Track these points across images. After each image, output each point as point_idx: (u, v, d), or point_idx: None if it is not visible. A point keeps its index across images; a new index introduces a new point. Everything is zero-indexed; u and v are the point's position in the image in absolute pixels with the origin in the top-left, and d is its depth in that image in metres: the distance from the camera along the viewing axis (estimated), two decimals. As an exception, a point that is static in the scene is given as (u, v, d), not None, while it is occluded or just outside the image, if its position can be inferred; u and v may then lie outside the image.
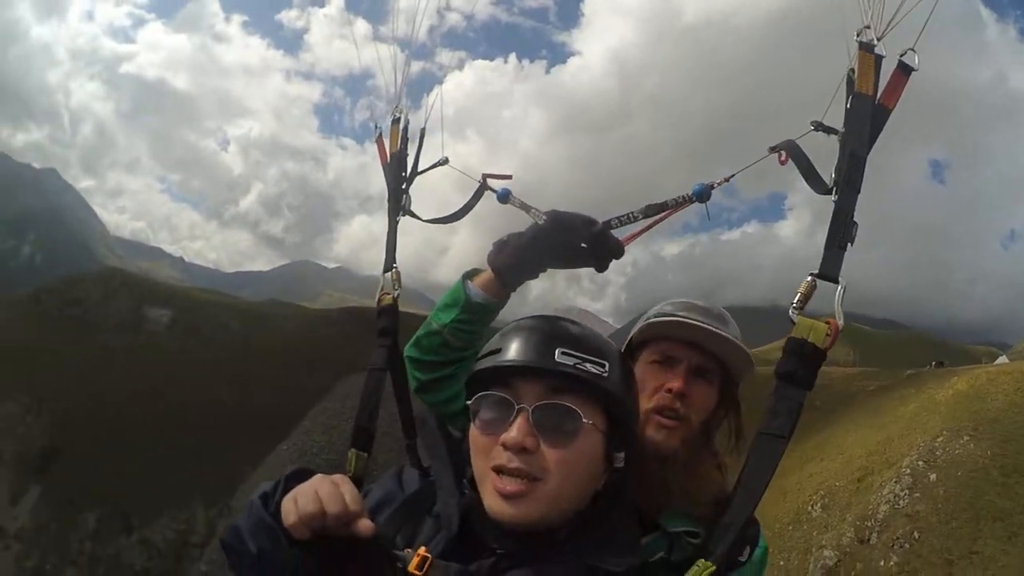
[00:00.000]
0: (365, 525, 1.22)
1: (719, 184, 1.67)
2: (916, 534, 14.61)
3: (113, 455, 59.88)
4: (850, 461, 20.55)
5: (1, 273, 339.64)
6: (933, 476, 15.93)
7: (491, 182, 2.22)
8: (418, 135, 2.42)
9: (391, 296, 2.14)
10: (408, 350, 2.00)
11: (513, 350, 1.36)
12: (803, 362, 1.38)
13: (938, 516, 14.73)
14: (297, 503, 1.22)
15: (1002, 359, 32.95)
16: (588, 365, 1.33)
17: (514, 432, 1.28)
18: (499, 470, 1.29)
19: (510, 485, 1.27)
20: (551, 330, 1.40)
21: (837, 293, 1.42)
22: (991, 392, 19.87)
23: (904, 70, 1.57)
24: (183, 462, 59.87)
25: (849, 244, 1.47)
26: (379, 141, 2.45)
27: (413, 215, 2.32)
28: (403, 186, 2.32)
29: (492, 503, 1.30)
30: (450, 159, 2.33)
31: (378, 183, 2.35)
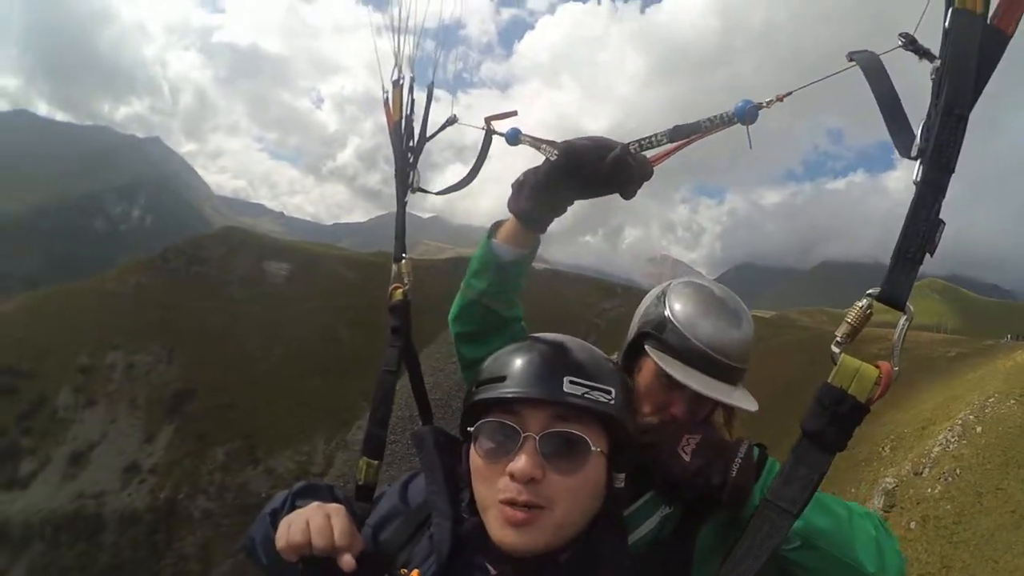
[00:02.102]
0: (347, 562, 1.31)
1: (769, 104, 1.27)
2: (958, 471, 19.10)
3: (241, 395, 67.79)
4: (919, 413, 24.56)
5: (116, 235, 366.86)
6: (979, 428, 20.34)
7: (496, 125, 2.06)
8: (426, 97, 2.29)
9: (402, 290, 2.10)
10: (453, 326, 1.95)
11: (519, 380, 1.35)
12: (837, 420, 1.10)
13: (977, 459, 19.14)
14: (288, 531, 1.34)
15: None
16: (596, 394, 1.34)
17: (522, 463, 1.28)
18: (510, 503, 1.29)
19: (519, 514, 1.28)
20: (557, 357, 1.40)
21: (900, 325, 1.08)
22: None
23: None
24: (306, 400, 67.57)
25: (928, 255, 1.05)
26: (385, 107, 2.32)
27: (423, 191, 2.27)
28: (410, 159, 2.24)
29: (499, 533, 1.31)
30: (514, 114, 2.04)
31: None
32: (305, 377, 70.25)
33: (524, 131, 1.79)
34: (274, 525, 1.43)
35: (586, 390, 1.33)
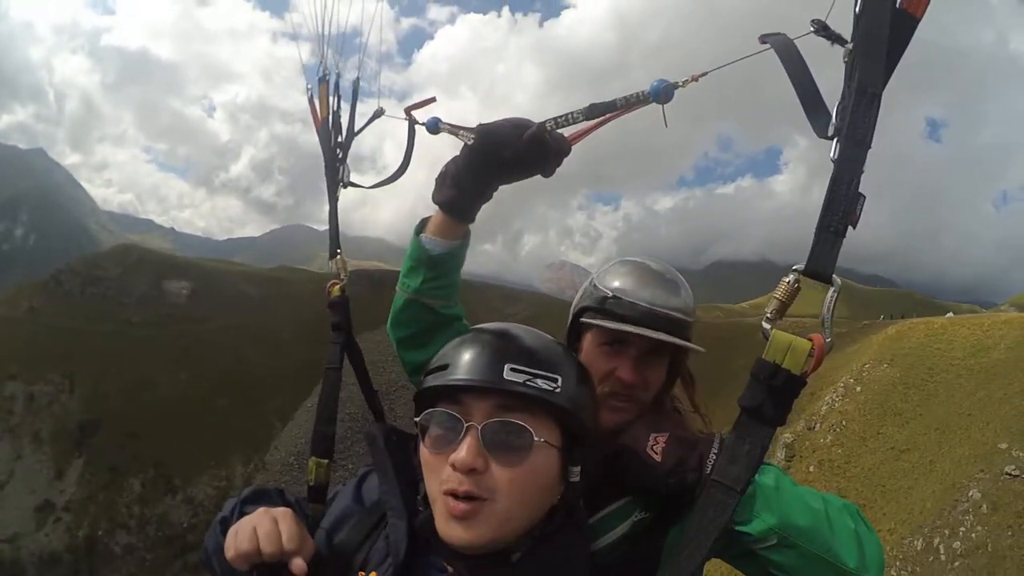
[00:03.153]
0: (298, 566, 1.30)
1: (685, 83, 1.34)
2: (844, 422, 24.92)
3: (150, 422, 66.54)
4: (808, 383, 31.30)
5: None
6: (859, 388, 26.32)
7: (418, 115, 2.08)
8: (351, 92, 2.32)
9: (340, 286, 2.11)
10: (392, 332, 1.92)
11: (462, 367, 1.35)
12: (774, 393, 1.12)
13: (858, 412, 24.85)
14: (236, 538, 1.32)
15: (949, 315, 41.13)
16: (539, 381, 1.32)
17: (463, 452, 1.27)
18: (451, 494, 1.28)
19: (460, 506, 1.27)
20: (501, 345, 1.39)
21: (828, 297, 1.11)
22: (909, 336, 30.55)
23: None
24: (217, 423, 67.24)
25: (851, 227, 1.10)
26: (311, 104, 2.33)
27: (354, 185, 2.27)
28: (339, 154, 2.25)
29: (443, 526, 1.30)
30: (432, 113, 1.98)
31: (370, 140, 3.78)
32: (214, 400, 69.94)
33: (415, 174, 1.89)
34: (224, 533, 1.41)
35: (528, 377, 1.32)
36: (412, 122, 2.11)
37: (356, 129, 2.29)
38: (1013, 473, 16.34)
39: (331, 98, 2.29)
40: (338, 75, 2.31)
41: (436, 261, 1.79)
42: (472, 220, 1.79)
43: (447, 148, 1.74)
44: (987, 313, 34.89)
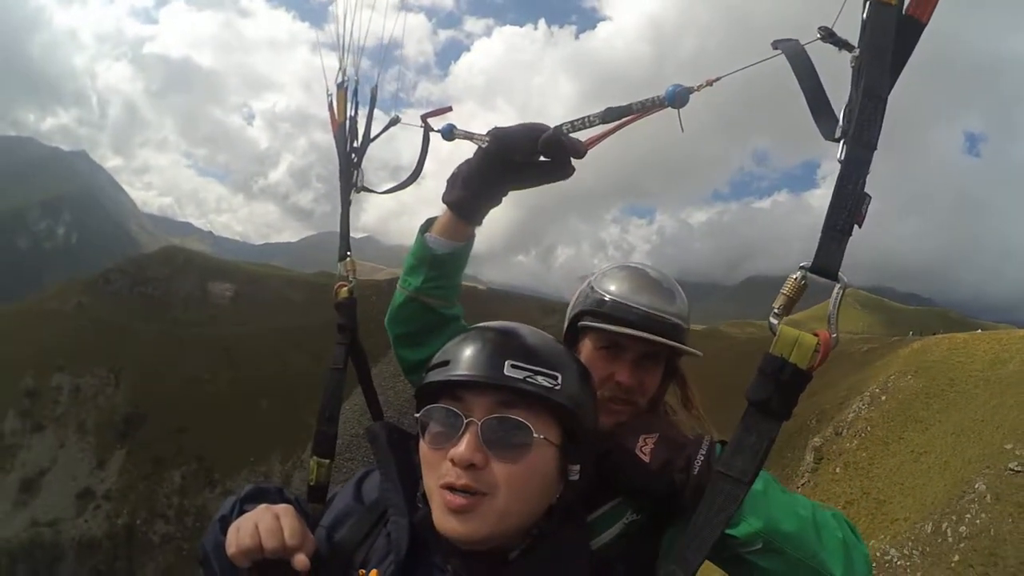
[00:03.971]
0: (301, 561, 1.29)
1: (700, 87, 1.32)
2: (869, 428, 27.54)
3: (193, 418, 69.93)
4: (837, 392, 35.13)
5: (39, 253, 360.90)
6: (884, 397, 29.04)
7: (433, 122, 2.03)
8: (370, 100, 2.36)
9: (347, 288, 2.13)
10: (390, 328, 1.91)
11: (463, 363, 1.36)
12: (781, 387, 1.15)
13: (883, 419, 27.40)
14: (238, 534, 1.31)
15: (978, 331, 43.68)
16: (539, 378, 1.33)
17: (462, 448, 1.29)
18: (448, 488, 1.30)
19: (457, 499, 1.28)
20: (502, 341, 1.40)
21: (834, 294, 1.14)
22: (933, 350, 33.65)
23: None
24: (259, 421, 70.10)
25: (856, 226, 1.13)
26: (330, 110, 2.37)
27: (368, 190, 2.30)
28: (354, 159, 2.28)
29: (440, 520, 1.31)
30: (433, 121, 2.00)
31: (408, 151, 2.16)
32: (255, 399, 72.61)
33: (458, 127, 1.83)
34: (224, 531, 1.38)
35: (529, 374, 1.33)
36: (427, 129, 2.09)
37: (372, 136, 2.32)
38: (1016, 469, 18.74)
39: (348, 104, 2.34)
40: (356, 82, 2.37)
41: (439, 261, 1.81)
42: (479, 223, 1.79)
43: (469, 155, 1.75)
44: (1005, 329, 37.07)
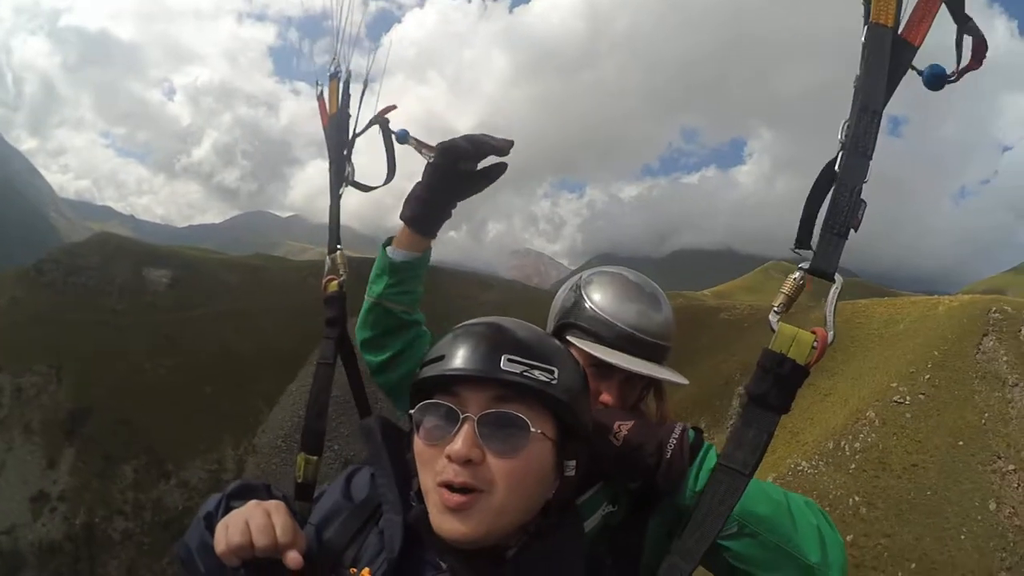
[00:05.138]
0: (293, 558, 1.31)
1: (956, 77, 1.38)
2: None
3: (138, 410, 70.57)
4: (758, 349, 40.87)
5: None
6: None
7: (393, 123, 2.27)
8: (360, 91, 2.41)
9: (337, 282, 2.22)
10: (358, 333, 2.14)
11: (458, 357, 1.39)
12: (780, 381, 1.27)
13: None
14: (227, 532, 1.33)
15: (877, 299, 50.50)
16: (536, 372, 1.37)
17: (459, 443, 1.32)
18: (446, 485, 1.33)
19: (455, 497, 1.31)
20: (497, 336, 1.43)
21: (831, 293, 1.28)
22: (839, 313, 39.00)
23: None
24: (206, 408, 71.24)
25: (853, 230, 1.26)
26: (320, 100, 2.43)
27: (358, 186, 2.37)
28: (345, 152, 2.35)
29: (436, 518, 1.35)
30: (397, 107, 2.25)
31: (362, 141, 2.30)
32: (201, 386, 73.33)
33: (412, 132, 2.14)
34: (210, 529, 1.41)
35: (525, 368, 1.37)
36: (386, 130, 2.25)
37: (357, 132, 2.37)
38: (898, 401, 24.72)
39: (340, 96, 2.37)
40: (349, 73, 2.39)
41: (397, 268, 2.07)
42: (434, 235, 2.10)
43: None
44: (900, 297, 44.23)
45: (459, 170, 1.98)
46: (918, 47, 1.34)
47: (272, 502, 1.42)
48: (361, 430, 1.68)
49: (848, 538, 20.80)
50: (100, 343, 77.78)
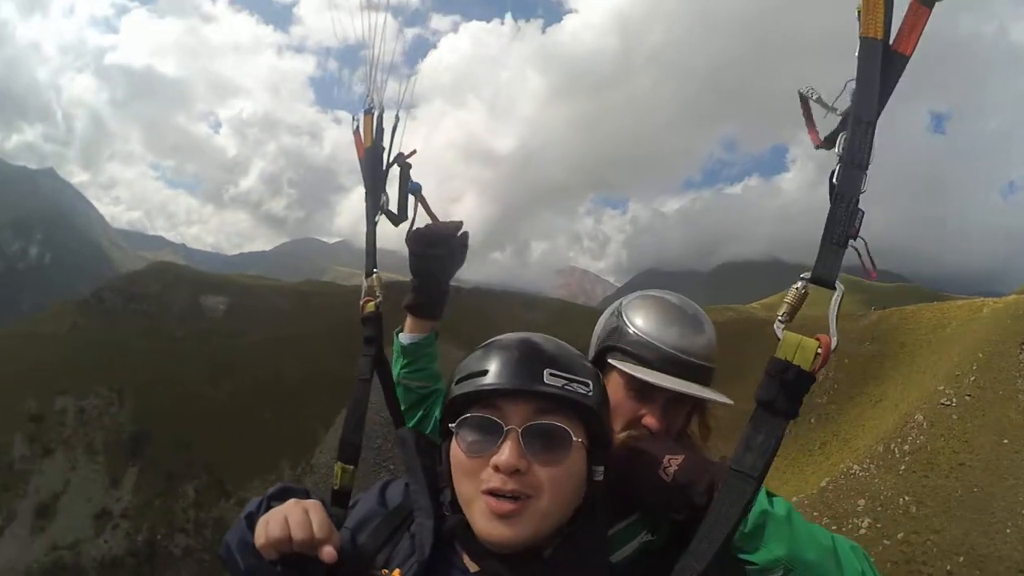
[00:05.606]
0: (328, 553, 1.39)
1: None
2: (836, 386, 35.90)
3: (198, 432, 72.58)
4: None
5: (14, 275, 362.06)
6: (847, 361, 38.41)
7: (411, 166, 2.42)
8: (392, 124, 2.49)
9: (374, 303, 2.29)
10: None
11: (498, 373, 1.45)
12: (786, 388, 1.29)
13: (847, 378, 35.99)
14: (267, 526, 1.41)
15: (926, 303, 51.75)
16: (575, 385, 1.44)
17: (506, 454, 1.38)
18: (492, 493, 1.39)
19: (505, 505, 1.38)
20: (535, 351, 1.50)
21: (833, 300, 1.32)
22: (887, 320, 42.20)
23: (925, 2, 1.34)
24: (263, 430, 72.96)
25: (851, 240, 1.31)
26: (356, 135, 2.53)
27: (390, 215, 2.40)
28: (381, 183, 2.42)
29: (484, 525, 1.40)
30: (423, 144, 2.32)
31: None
32: (257, 408, 75.35)
33: (426, 186, 2.33)
34: (250, 528, 1.49)
35: (565, 382, 1.44)
36: (405, 173, 2.40)
37: (386, 165, 2.43)
38: (945, 403, 26.21)
39: (375, 130, 2.45)
40: (382, 109, 2.48)
41: (407, 350, 2.39)
42: (437, 317, 2.40)
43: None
44: (949, 301, 45.32)
45: (430, 254, 2.27)
46: (909, 56, 1.36)
47: (310, 501, 1.50)
48: (397, 438, 1.78)
49: (899, 536, 22.19)
50: (160, 368, 79.63)
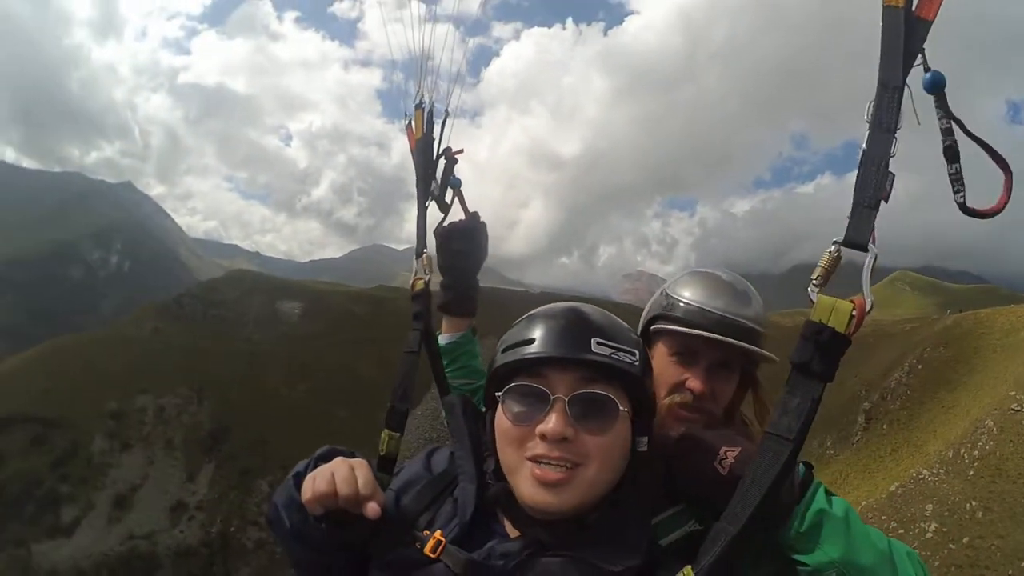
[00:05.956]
0: (372, 508, 1.41)
1: None
2: (908, 392, 36.95)
3: (273, 431, 74.75)
4: (881, 365, 44.25)
5: (94, 283, 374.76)
6: (920, 366, 39.20)
7: (458, 162, 2.54)
8: (442, 120, 2.60)
9: (423, 281, 2.35)
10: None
11: (544, 341, 1.47)
12: (821, 350, 1.29)
13: (919, 383, 36.55)
14: (314, 482, 1.44)
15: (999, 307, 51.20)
16: (622, 355, 1.46)
17: (553, 423, 1.40)
18: (538, 459, 1.41)
19: (552, 474, 1.39)
20: (582, 320, 1.51)
21: (866, 264, 1.31)
22: (961, 324, 42.18)
23: None
24: (337, 430, 73.28)
25: (883, 201, 1.31)
26: (408, 129, 2.63)
27: (441, 202, 2.51)
28: (431, 171, 2.51)
29: (530, 492, 1.42)
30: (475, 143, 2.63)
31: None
32: (332, 409, 78.23)
33: (492, 193, 2.72)
34: (297, 487, 1.51)
35: (613, 351, 1.46)
36: (449, 166, 2.53)
37: (436, 155, 2.54)
38: (1016, 408, 26.10)
39: (424, 123, 2.58)
40: (432, 104, 2.59)
41: (446, 350, 2.46)
42: (471, 314, 2.49)
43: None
44: (1021, 305, 44.73)
45: (455, 249, 2.40)
46: (932, 21, 1.38)
47: (356, 460, 1.54)
48: (443, 405, 1.82)
49: (964, 540, 22.35)
50: (238, 369, 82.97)
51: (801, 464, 1.55)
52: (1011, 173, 1.44)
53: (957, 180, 1.41)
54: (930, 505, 25.13)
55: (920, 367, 38.05)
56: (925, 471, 26.45)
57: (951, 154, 1.41)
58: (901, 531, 23.60)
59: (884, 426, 35.76)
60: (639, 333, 2.06)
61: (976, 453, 25.67)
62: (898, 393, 37.38)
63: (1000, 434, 25.71)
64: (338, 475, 1.44)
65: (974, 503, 23.79)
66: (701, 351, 1.99)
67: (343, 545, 1.50)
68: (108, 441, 72.75)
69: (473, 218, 2.47)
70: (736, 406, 2.13)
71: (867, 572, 1.48)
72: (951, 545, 22.85)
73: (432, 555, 1.44)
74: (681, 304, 2.05)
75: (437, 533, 1.48)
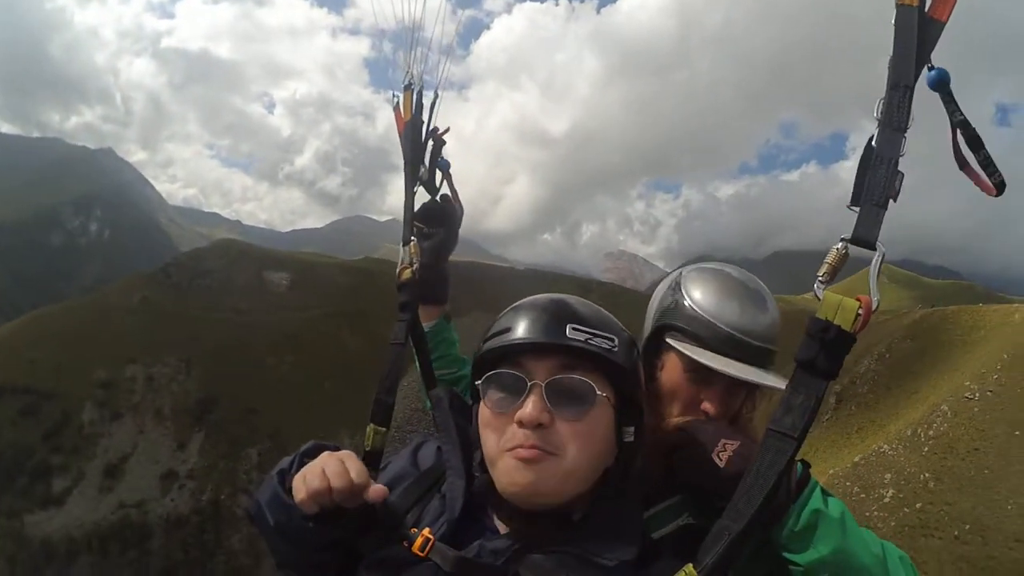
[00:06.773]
0: (376, 490, 1.40)
1: None
2: (876, 378, 41.59)
3: (262, 401, 77.27)
4: (853, 352, 49.45)
5: (75, 249, 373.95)
6: (888, 355, 44.38)
7: (442, 150, 2.52)
8: (431, 101, 2.56)
9: (410, 270, 2.28)
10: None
11: (523, 328, 1.47)
12: (826, 348, 1.29)
13: (887, 370, 41.78)
14: (305, 480, 1.40)
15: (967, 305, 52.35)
16: (598, 340, 1.45)
17: (529, 408, 1.38)
18: (515, 449, 1.39)
19: (525, 452, 1.38)
20: (558, 308, 1.51)
21: (874, 262, 1.32)
22: (928, 319, 47.19)
23: None
24: (324, 400, 77.42)
25: (892, 200, 1.33)
26: (396, 110, 2.59)
27: (429, 186, 2.52)
28: (420, 155, 2.48)
29: (509, 477, 1.40)
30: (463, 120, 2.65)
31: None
32: (319, 381, 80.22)
33: (478, 167, 3.01)
34: (282, 484, 1.48)
35: (589, 336, 1.44)
36: (437, 148, 2.51)
37: (424, 137, 2.50)
38: (968, 396, 29.86)
39: (414, 105, 2.52)
40: (422, 85, 2.54)
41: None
42: (443, 302, 2.53)
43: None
44: (983, 305, 49.15)
45: (431, 233, 2.52)
46: (945, 22, 1.39)
47: (344, 451, 1.50)
48: (430, 398, 1.85)
49: (917, 505, 25.99)
50: (226, 339, 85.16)
51: (799, 463, 1.61)
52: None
53: (989, 164, 1.45)
54: (888, 475, 28.86)
55: (888, 356, 42.33)
56: (886, 446, 30.21)
57: (976, 143, 1.44)
58: (863, 495, 27.11)
59: (852, 407, 39.78)
60: (650, 333, 2.08)
61: (931, 432, 29.54)
62: (867, 378, 41.60)
63: (954, 417, 29.64)
64: (329, 470, 1.41)
65: (927, 474, 27.26)
66: (716, 372, 1.87)
67: (332, 542, 1.47)
68: (98, 411, 74.92)
69: (446, 200, 2.53)
70: (739, 410, 2.10)
71: (860, 572, 1.54)
72: (905, 509, 26.34)
73: (421, 553, 1.43)
74: (688, 308, 1.97)
75: (426, 531, 1.46)
